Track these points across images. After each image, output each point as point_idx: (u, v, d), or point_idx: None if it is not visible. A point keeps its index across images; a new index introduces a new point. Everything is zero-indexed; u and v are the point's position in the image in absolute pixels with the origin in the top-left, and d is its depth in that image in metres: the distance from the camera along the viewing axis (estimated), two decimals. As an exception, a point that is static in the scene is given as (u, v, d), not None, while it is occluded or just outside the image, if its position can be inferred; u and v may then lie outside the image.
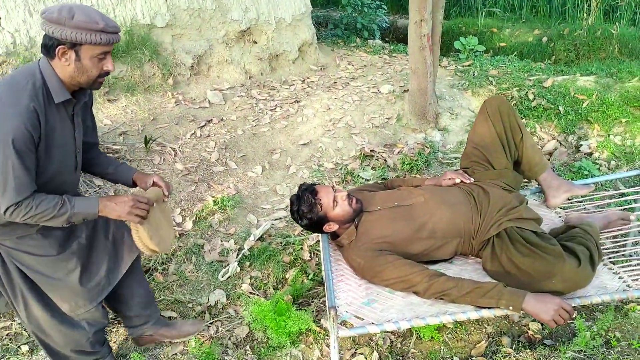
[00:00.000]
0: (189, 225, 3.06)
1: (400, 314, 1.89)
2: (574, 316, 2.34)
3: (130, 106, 4.10)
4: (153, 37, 4.45)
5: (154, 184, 1.99)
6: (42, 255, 1.79)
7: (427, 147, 3.88)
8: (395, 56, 5.92)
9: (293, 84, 4.85)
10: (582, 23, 7.27)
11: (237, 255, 2.89)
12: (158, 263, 2.77)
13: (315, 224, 2.10)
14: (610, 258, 2.23)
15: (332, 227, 2.10)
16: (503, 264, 1.97)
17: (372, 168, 3.58)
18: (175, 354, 2.34)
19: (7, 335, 2.41)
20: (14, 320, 2.46)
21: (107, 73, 1.66)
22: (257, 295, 2.66)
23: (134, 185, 2.04)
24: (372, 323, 1.83)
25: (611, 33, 6.57)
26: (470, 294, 1.82)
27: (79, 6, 1.56)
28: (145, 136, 3.58)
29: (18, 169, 1.51)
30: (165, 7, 4.48)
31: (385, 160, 3.68)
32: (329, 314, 1.76)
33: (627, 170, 3.61)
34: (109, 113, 3.99)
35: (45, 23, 1.54)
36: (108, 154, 3.40)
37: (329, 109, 4.26)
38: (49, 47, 1.56)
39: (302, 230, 3.07)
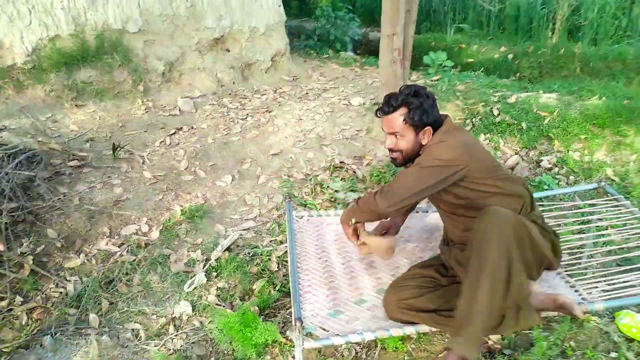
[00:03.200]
0: (155, 234, 3.03)
1: (365, 325, 1.92)
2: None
3: (99, 112, 4.05)
4: (124, 43, 4.42)
5: None
6: None
7: (395, 159, 3.95)
8: (366, 69, 6.01)
9: (265, 94, 4.87)
10: (546, 41, 7.54)
11: (204, 265, 2.87)
12: (122, 274, 2.73)
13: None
14: (567, 271, 2.32)
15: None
16: None
17: (341, 179, 3.62)
18: (139, 365, 2.31)
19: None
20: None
21: None
22: (224, 306, 2.65)
23: None
24: (338, 335, 1.85)
25: (574, 52, 6.83)
26: None
27: None
28: (113, 143, 3.53)
29: None
30: (138, 13, 4.45)
31: (355, 172, 3.73)
32: (295, 325, 1.77)
33: (584, 184, 3.75)
34: (76, 119, 3.93)
35: None
36: (74, 160, 3.37)
37: (301, 119, 4.30)
38: None
39: (270, 241, 3.08)
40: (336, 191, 3.48)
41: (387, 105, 1.97)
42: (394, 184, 1.93)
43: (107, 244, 2.87)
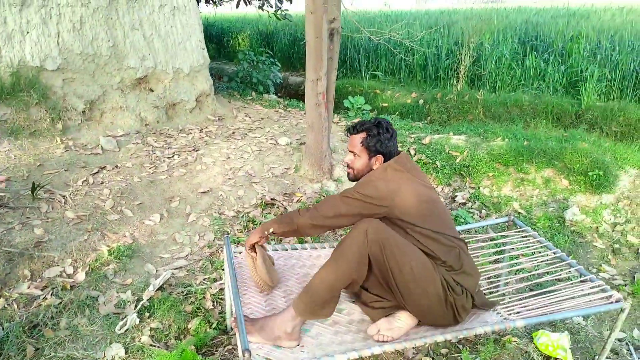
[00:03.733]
0: (81, 276, 2.89)
1: (310, 353, 1.97)
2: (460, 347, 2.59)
3: (14, 151, 3.83)
4: (42, 80, 4.26)
5: None
6: None
7: (323, 195, 4.09)
8: (289, 110, 6.20)
9: (191, 133, 4.87)
10: (452, 89, 8.24)
11: (136, 306, 2.78)
12: (48, 318, 2.57)
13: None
14: (486, 295, 2.53)
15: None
16: None
17: (273, 215, 3.68)
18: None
19: None
20: None
21: None
22: (158, 347, 2.57)
23: None
24: (284, 364, 1.89)
25: (477, 98, 7.52)
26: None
27: None
28: (33, 182, 3.36)
29: None
30: (57, 50, 4.33)
31: (286, 209, 3.81)
32: (243, 357, 1.79)
33: (496, 218, 4.11)
34: (-12, 157, 3.69)
35: None
36: (-12, 201, 3.15)
37: (229, 158, 4.34)
38: None
39: (204, 279, 3.05)
40: (268, 227, 3.53)
41: (353, 128, 2.28)
42: (320, 205, 2.13)
43: (29, 288, 2.70)
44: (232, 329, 2.65)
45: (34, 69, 4.23)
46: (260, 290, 2.37)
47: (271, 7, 8.07)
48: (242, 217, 3.67)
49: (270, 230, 2.21)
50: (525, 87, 8.05)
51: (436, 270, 2.07)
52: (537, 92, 7.82)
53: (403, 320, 2.15)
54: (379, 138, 2.19)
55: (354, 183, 2.27)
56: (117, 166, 4.04)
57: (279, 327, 2.02)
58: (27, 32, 4.22)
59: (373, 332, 2.11)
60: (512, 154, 4.67)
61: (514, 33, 9.99)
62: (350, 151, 2.28)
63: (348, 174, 2.34)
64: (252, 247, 2.30)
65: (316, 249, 2.80)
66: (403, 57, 9.11)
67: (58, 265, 2.91)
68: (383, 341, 2.07)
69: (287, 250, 2.77)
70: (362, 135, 2.23)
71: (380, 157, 2.22)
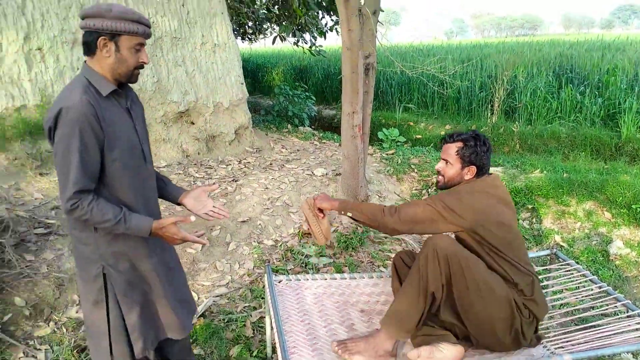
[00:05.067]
0: (126, 302, 2.97)
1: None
2: None
3: (64, 180, 4.01)
4: (91, 114, 4.47)
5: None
6: None
7: (360, 226, 4.11)
8: (324, 142, 6.30)
9: (230, 164, 5.00)
10: (487, 121, 8.20)
11: (178, 332, 2.83)
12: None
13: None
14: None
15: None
16: None
17: (311, 245, 3.72)
18: None
19: None
20: None
21: (142, 66, 1.73)
22: (200, 373, 2.60)
23: (179, 204, 2.03)
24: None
25: (512, 130, 7.47)
26: None
27: (114, 3, 1.68)
28: (82, 211, 3.50)
29: (80, 162, 1.55)
30: (106, 86, 4.56)
31: (322, 239, 3.84)
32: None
33: (538, 251, 4.03)
34: (40, 187, 3.88)
35: (86, 19, 1.62)
36: (39, 228, 3.31)
37: (267, 188, 4.43)
38: (90, 42, 1.63)
39: (244, 307, 3.09)
40: (307, 256, 3.57)
41: (450, 136, 2.28)
42: (404, 208, 2.16)
43: (77, 312, 2.79)
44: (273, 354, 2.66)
45: (85, 103, 4.45)
46: (318, 242, 2.43)
47: (306, 42, 8.30)
48: (280, 246, 3.71)
49: (349, 214, 2.28)
50: (561, 119, 7.97)
51: (507, 290, 2.08)
52: (575, 125, 7.72)
53: (446, 351, 2.13)
54: (475, 149, 2.18)
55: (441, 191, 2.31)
56: (159, 196, 4.17)
57: (381, 346, 2.11)
58: (77, 69, 4.46)
59: (413, 357, 2.10)
60: (551, 186, 4.61)
61: (548, 66, 9.95)
62: (443, 159, 2.28)
63: (437, 181, 2.34)
64: (320, 210, 2.37)
65: (355, 278, 2.81)
66: (436, 89, 9.18)
67: (104, 291, 3.00)
68: None
69: (326, 279, 2.79)
70: (459, 144, 2.22)
71: (473, 168, 2.21)
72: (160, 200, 1.99)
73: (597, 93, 8.29)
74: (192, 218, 1.78)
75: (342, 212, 2.31)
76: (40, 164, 4.10)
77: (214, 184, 2.18)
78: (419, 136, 8.42)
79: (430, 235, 2.13)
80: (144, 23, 1.68)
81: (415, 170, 5.21)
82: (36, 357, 2.44)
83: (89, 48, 1.65)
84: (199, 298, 3.14)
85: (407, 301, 2.09)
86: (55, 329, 2.66)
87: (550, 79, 9.08)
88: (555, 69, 9.83)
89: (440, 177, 2.31)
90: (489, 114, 8.51)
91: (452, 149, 2.24)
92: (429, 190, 4.83)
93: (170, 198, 2.03)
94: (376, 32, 4.36)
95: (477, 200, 2.11)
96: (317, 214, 2.40)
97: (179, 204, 2.02)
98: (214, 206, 2.03)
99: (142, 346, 1.83)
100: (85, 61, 1.69)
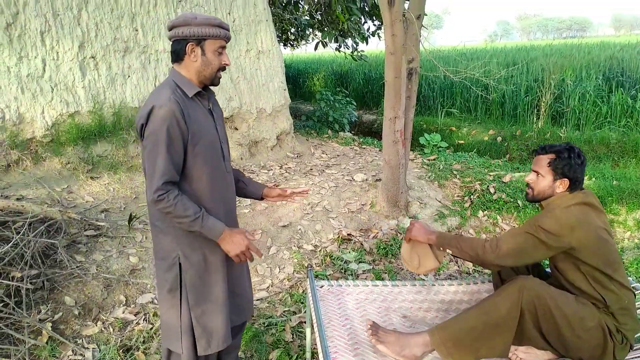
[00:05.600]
0: (170, 303, 3.06)
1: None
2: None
3: (113, 184, 4.17)
4: (139, 120, 4.63)
5: (280, 195, 2.23)
6: None
7: (400, 233, 4.08)
8: (364, 147, 6.29)
9: (271, 169, 5.06)
10: (532, 126, 7.98)
11: (220, 334, 2.88)
12: (140, 342, 2.73)
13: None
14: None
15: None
16: None
17: (350, 250, 3.72)
18: None
19: None
20: None
21: (224, 68, 1.88)
22: (241, 376, 2.64)
23: (262, 199, 2.23)
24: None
25: (559, 135, 7.24)
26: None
27: (197, 13, 1.87)
28: (130, 213, 3.63)
29: (168, 154, 1.69)
30: (153, 93, 4.71)
31: (362, 244, 3.84)
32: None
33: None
34: (90, 190, 4.04)
35: (174, 29, 1.79)
36: (90, 230, 3.44)
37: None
38: (179, 50, 1.81)
39: (284, 311, 3.11)
40: (346, 262, 3.57)
41: (542, 148, 2.21)
42: (503, 241, 2.09)
43: (123, 312, 2.89)
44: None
45: (133, 110, 4.62)
46: (410, 269, 2.45)
47: (348, 48, 8.33)
48: (320, 251, 3.73)
49: (448, 251, 2.26)
50: (612, 125, 7.66)
51: (598, 317, 2.03)
52: (625, 130, 7.40)
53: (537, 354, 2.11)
54: (568, 162, 2.11)
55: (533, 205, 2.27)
56: (203, 200, 4.27)
57: (411, 348, 2.07)
58: (129, 76, 4.64)
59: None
60: (600, 193, 4.44)
61: (597, 69, 9.59)
62: (534, 171, 2.20)
63: (527, 193, 2.27)
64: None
65: (397, 286, 2.79)
66: (480, 94, 9.01)
67: (150, 292, 3.10)
68: None
69: (367, 286, 2.78)
70: (551, 156, 2.15)
71: (565, 181, 2.12)
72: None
73: (650, 97, 7.93)
74: (258, 236, 1.93)
75: (440, 248, 2.28)
76: (92, 167, 4.28)
77: (305, 189, 2.32)
78: (462, 141, 8.28)
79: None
80: (225, 27, 1.84)
81: (458, 176, 5.12)
82: (84, 356, 2.54)
83: (178, 55, 1.82)
84: (240, 301, 3.19)
85: (468, 325, 2.03)
86: (103, 329, 2.76)
87: (599, 82, 8.75)
88: (605, 72, 9.46)
89: (529, 189, 2.24)
90: (535, 118, 8.28)
91: (544, 160, 2.16)
92: (472, 197, 4.74)
93: (253, 195, 2.21)
94: (420, 36, 4.33)
95: (574, 215, 2.03)
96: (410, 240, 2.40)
97: (261, 199, 2.22)
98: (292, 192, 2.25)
99: (205, 345, 1.92)
100: (172, 67, 1.86)
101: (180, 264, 1.85)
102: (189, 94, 1.81)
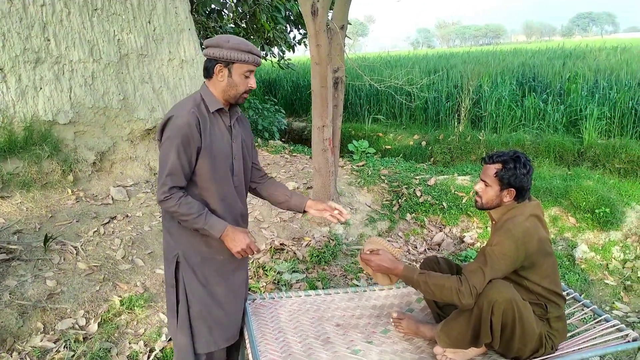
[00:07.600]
0: (93, 327, 2.89)
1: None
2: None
3: (26, 203, 3.89)
4: (54, 134, 4.37)
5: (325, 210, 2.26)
6: None
7: (332, 239, 4.11)
8: (295, 155, 6.30)
9: (199, 181, 4.94)
10: (454, 130, 8.35)
11: (148, 357, 2.76)
12: (61, 371, 2.56)
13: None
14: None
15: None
16: None
17: (283, 260, 3.69)
18: None
19: None
20: None
21: (250, 90, 2.05)
22: (172, 398, 2.54)
23: (304, 212, 2.31)
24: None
25: (478, 139, 7.62)
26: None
27: (233, 35, 2.00)
28: (46, 234, 3.40)
29: (178, 160, 1.87)
30: (69, 105, 4.46)
31: (295, 253, 3.82)
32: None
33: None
34: (1, 210, 3.75)
35: (207, 48, 1.96)
36: (1, 254, 3.19)
37: (237, 205, 4.38)
38: (209, 68, 1.97)
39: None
40: (279, 273, 3.54)
41: (489, 157, 2.25)
42: (476, 278, 2.06)
43: (42, 340, 2.69)
44: None
45: (47, 123, 4.34)
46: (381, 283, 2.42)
47: (274, 56, 8.32)
48: (252, 262, 3.68)
49: (422, 297, 2.40)
50: (526, 127, 8.17)
51: (541, 326, 2.13)
52: (538, 132, 7.92)
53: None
54: (514, 172, 2.13)
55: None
56: (127, 216, 4.09)
57: (424, 329, 2.34)
58: (40, 88, 4.36)
59: (438, 352, 2.17)
60: (517, 193, 4.70)
61: (511, 75, 10.22)
62: (483, 180, 2.24)
63: (476, 201, 2.30)
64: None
65: (330, 294, 2.80)
66: (404, 101, 9.31)
67: (70, 317, 2.91)
68: None
69: (300, 297, 2.77)
70: (497, 166, 2.18)
71: (512, 191, 2.16)
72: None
73: (559, 100, 8.55)
74: (263, 247, 2.01)
75: (407, 283, 2.25)
76: (2, 186, 3.97)
77: (345, 214, 2.30)
78: (389, 147, 8.50)
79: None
80: (255, 53, 1.97)
81: (386, 181, 5.24)
82: (-2, 391, 2.34)
83: (208, 72, 1.99)
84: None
85: (459, 329, 2.14)
86: (19, 359, 2.55)
87: (514, 87, 9.33)
88: (519, 78, 10.10)
89: (478, 198, 2.28)
90: (456, 123, 8.67)
91: (491, 170, 2.20)
92: (400, 200, 4.87)
93: (295, 208, 2.31)
94: (344, 46, 4.40)
95: (527, 231, 2.10)
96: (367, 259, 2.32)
97: (304, 212, 2.31)
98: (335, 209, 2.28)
99: (204, 343, 2.08)
100: (204, 81, 2.03)
101: (178, 262, 2.02)
102: (210, 109, 1.97)
